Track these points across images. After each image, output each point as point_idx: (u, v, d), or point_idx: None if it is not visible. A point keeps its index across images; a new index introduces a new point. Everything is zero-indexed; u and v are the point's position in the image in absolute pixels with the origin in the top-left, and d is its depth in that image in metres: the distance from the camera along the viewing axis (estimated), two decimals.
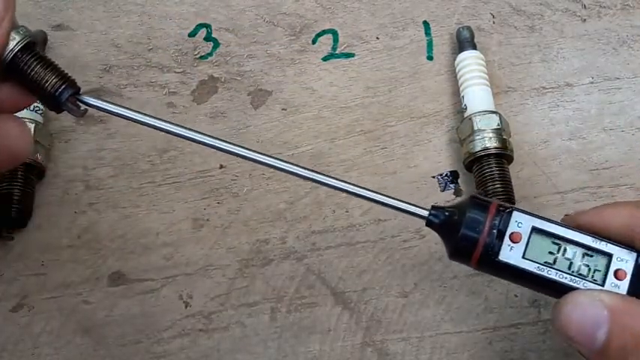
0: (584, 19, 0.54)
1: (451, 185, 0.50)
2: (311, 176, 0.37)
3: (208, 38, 0.53)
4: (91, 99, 0.36)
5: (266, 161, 0.37)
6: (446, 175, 0.50)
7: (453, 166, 0.50)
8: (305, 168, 0.37)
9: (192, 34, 0.54)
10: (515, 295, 0.46)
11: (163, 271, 0.47)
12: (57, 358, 0.45)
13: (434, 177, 0.50)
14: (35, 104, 0.49)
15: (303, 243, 0.48)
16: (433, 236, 0.47)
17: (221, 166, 0.50)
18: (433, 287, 0.47)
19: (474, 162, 0.48)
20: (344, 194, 0.48)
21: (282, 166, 0.37)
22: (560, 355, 0.45)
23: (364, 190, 0.37)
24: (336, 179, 0.37)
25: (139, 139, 0.50)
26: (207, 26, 0.54)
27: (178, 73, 0.52)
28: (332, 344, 0.45)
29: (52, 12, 0.54)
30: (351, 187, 0.37)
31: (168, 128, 0.36)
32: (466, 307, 0.46)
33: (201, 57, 0.53)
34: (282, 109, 0.52)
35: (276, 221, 0.48)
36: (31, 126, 0.47)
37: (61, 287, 0.46)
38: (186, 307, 0.46)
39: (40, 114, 0.49)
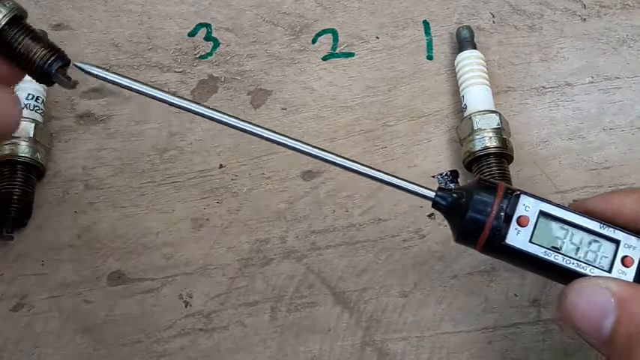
0: (584, 19, 0.54)
1: (451, 185, 0.50)
2: (318, 154, 0.37)
3: (208, 38, 0.53)
4: (88, 66, 0.36)
5: (275, 138, 0.37)
6: (446, 174, 0.50)
7: (453, 165, 0.50)
8: (312, 146, 0.37)
9: (192, 34, 0.54)
10: (515, 295, 0.46)
11: (163, 270, 0.47)
12: (57, 358, 0.45)
13: (434, 176, 0.50)
14: (35, 104, 0.49)
15: (302, 242, 0.48)
16: (433, 236, 0.47)
17: (221, 166, 0.50)
18: (433, 287, 0.47)
19: (474, 161, 0.48)
20: (344, 193, 0.49)
21: (287, 142, 0.37)
22: (560, 354, 0.45)
23: (370, 170, 0.37)
24: (344, 158, 0.37)
25: (139, 139, 0.50)
26: (207, 26, 0.54)
27: (178, 72, 0.52)
28: (332, 344, 0.45)
29: (52, 11, 0.54)
30: (358, 165, 0.37)
31: (165, 98, 0.36)
32: (466, 306, 0.46)
33: (201, 57, 0.53)
34: (282, 109, 0.52)
35: (275, 221, 0.48)
36: (32, 125, 0.47)
37: (61, 287, 0.46)
38: (186, 306, 0.46)
39: (40, 114, 0.49)
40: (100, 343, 0.45)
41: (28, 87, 0.49)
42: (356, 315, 0.46)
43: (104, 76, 0.36)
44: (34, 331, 0.45)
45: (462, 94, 0.50)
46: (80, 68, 0.36)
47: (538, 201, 0.36)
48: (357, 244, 0.48)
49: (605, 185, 0.49)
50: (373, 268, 0.47)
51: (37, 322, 0.45)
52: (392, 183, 0.37)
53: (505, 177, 0.47)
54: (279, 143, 0.37)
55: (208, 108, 0.36)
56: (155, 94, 0.36)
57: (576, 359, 0.45)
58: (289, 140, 0.37)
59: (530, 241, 0.35)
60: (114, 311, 0.46)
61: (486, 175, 0.47)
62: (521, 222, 0.35)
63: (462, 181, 0.50)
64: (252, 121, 0.37)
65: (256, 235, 0.48)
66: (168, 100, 0.36)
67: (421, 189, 0.37)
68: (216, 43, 0.53)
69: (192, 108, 0.36)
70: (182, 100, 0.36)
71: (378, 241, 0.48)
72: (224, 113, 0.37)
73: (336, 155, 0.37)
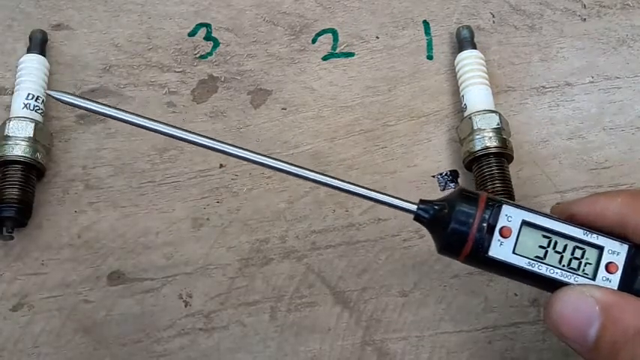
0: (584, 19, 0.54)
1: (451, 184, 0.50)
2: (295, 171, 0.37)
3: (208, 38, 0.54)
4: (60, 93, 0.36)
5: (259, 160, 0.37)
6: (446, 174, 0.50)
7: (452, 165, 0.50)
8: (295, 165, 0.37)
9: (192, 34, 0.54)
10: (515, 295, 0.46)
11: (163, 270, 0.47)
12: (57, 358, 0.45)
13: (434, 176, 0.50)
14: (35, 103, 0.49)
15: (303, 242, 0.48)
16: None
17: (221, 166, 0.50)
18: (433, 286, 0.47)
19: (474, 161, 0.48)
20: (344, 194, 0.49)
21: (270, 163, 0.37)
22: (559, 354, 0.45)
23: (350, 185, 0.37)
24: (322, 174, 0.37)
25: (139, 139, 0.50)
26: (207, 26, 0.54)
27: (178, 72, 0.52)
28: (332, 343, 0.45)
29: (52, 11, 0.54)
30: (337, 181, 0.37)
31: (135, 121, 0.36)
32: (466, 306, 0.46)
33: (201, 56, 0.53)
34: (282, 109, 0.52)
35: (276, 220, 0.48)
36: (32, 125, 0.47)
37: (61, 286, 0.46)
38: (186, 306, 0.46)
39: (40, 114, 0.49)
40: (100, 343, 0.45)
41: (28, 87, 0.49)
42: (356, 315, 0.46)
43: (77, 103, 0.36)
44: (34, 331, 0.45)
45: (461, 94, 0.50)
46: (52, 97, 0.36)
47: (520, 210, 0.36)
48: (357, 243, 0.48)
49: (605, 185, 0.49)
50: (373, 268, 0.47)
51: (37, 321, 0.45)
52: (373, 198, 0.37)
53: (505, 177, 0.47)
54: (262, 164, 0.37)
55: (164, 124, 0.37)
56: (125, 118, 0.36)
57: (576, 359, 0.45)
58: (273, 161, 0.37)
59: (514, 252, 0.35)
60: (114, 311, 0.46)
61: (486, 175, 0.47)
62: (504, 233, 0.35)
63: (461, 181, 0.50)
64: (235, 144, 0.37)
65: (256, 234, 0.48)
66: (138, 122, 0.36)
67: (403, 203, 0.37)
68: (216, 43, 0.53)
69: (160, 129, 0.37)
70: (152, 122, 0.36)
71: (378, 241, 0.48)
72: (182, 129, 0.37)
73: (316, 172, 0.37)
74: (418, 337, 0.45)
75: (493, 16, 0.54)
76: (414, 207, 0.37)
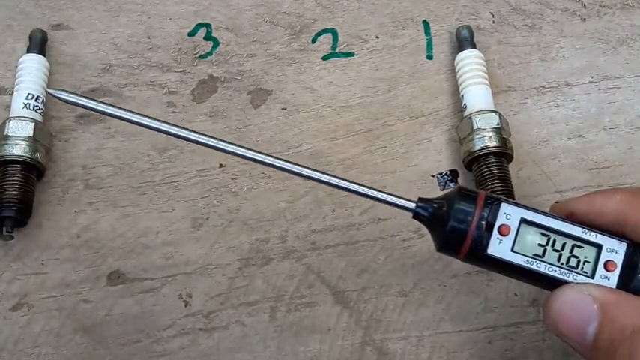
0: (584, 19, 0.54)
1: (451, 184, 0.50)
2: (294, 169, 0.37)
3: (208, 37, 0.54)
4: (59, 92, 0.36)
5: (260, 159, 0.37)
6: (446, 174, 0.50)
7: (452, 165, 0.50)
8: (288, 161, 0.37)
9: (191, 34, 0.54)
10: (515, 294, 0.46)
11: (163, 270, 0.47)
12: (57, 357, 0.45)
13: (434, 176, 0.50)
14: (35, 103, 0.49)
15: (302, 242, 0.48)
16: None
17: (221, 165, 0.50)
18: (433, 286, 0.47)
19: (474, 161, 0.48)
20: (344, 193, 0.49)
21: (271, 162, 0.37)
22: (560, 354, 0.45)
23: (349, 183, 0.37)
24: (320, 172, 0.37)
25: (139, 138, 0.50)
26: (206, 25, 0.54)
27: (178, 72, 0.53)
28: (331, 343, 0.45)
29: (52, 11, 0.54)
30: (335, 179, 0.37)
31: (134, 119, 0.36)
32: (466, 306, 0.46)
33: (201, 56, 0.53)
34: (282, 109, 0.52)
35: (275, 220, 0.48)
36: (31, 125, 0.47)
37: (60, 286, 0.46)
38: (185, 306, 0.46)
39: (40, 113, 0.49)
40: (100, 343, 0.45)
41: (28, 86, 0.49)
42: (356, 314, 0.46)
43: (77, 101, 0.36)
44: (33, 331, 0.45)
45: (461, 94, 0.50)
46: (53, 95, 0.36)
47: (519, 208, 0.36)
48: (357, 243, 0.48)
49: (605, 185, 0.49)
50: (373, 268, 0.47)
51: (37, 321, 0.45)
52: (372, 196, 0.37)
53: (505, 177, 0.47)
54: (264, 163, 0.37)
55: (164, 122, 0.37)
56: (125, 116, 0.36)
57: (576, 359, 0.45)
58: (272, 160, 0.37)
59: (512, 250, 0.35)
60: (114, 311, 0.46)
61: (486, 175, 0.47)
62: (503, 231, 0.35)
63: (461, 180, 0.50)
64: (237, 143, 0.37)
65: (256, 234, 0.48)
66: (137, 120, 0.36)
67: (401, 201, 0.37)
68: (216, 43, 0.53)
69: (160, 127, 0.37)
70: (152, 121, 0.36)
71: (378, 241, 0.48)
72: (179, 127, 0.37)
73: (314, 170, 0.37)
74: (418, 337, 0.45)
75: (493, 16, 0.54)
76: (412, 205, 0.37)
